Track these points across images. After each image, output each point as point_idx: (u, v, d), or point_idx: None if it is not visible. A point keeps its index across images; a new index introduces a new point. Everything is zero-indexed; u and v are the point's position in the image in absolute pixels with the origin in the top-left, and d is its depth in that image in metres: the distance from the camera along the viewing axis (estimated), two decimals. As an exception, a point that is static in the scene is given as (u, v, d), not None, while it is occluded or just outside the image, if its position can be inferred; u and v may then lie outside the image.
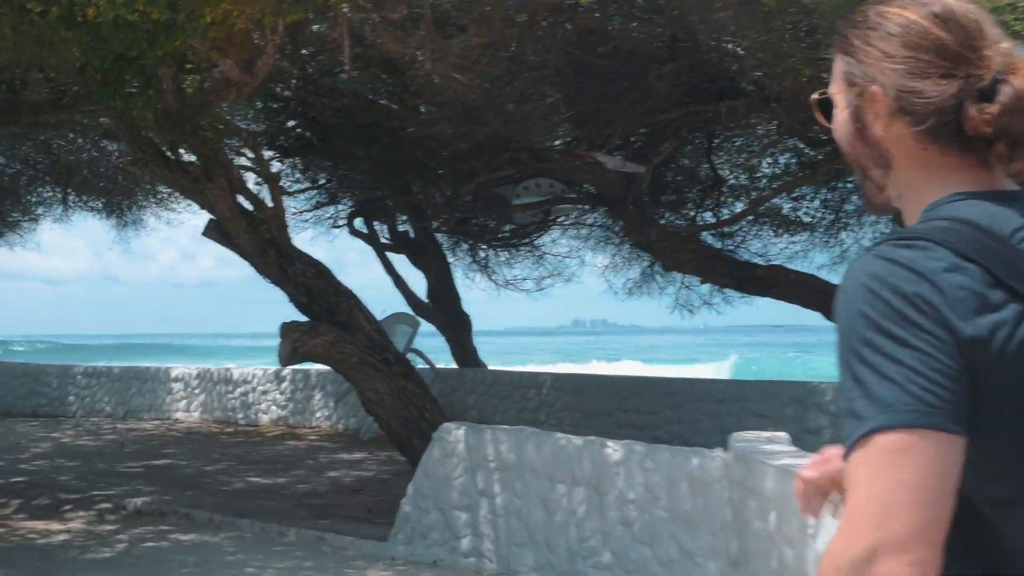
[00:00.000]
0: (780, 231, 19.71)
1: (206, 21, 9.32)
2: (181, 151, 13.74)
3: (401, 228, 23.20)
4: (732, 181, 19.84)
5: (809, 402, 16.09)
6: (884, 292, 1.68)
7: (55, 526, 12.98)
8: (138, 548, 11.82)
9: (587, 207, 19.57)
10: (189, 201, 23.24)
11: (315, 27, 12.49)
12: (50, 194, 24.66)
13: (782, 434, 9.03)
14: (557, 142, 16.86)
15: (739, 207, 19.66)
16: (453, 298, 23.13)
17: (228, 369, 24.60)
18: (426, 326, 22.66)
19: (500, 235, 21.80)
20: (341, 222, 22.13)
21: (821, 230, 19.28)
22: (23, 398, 26.82)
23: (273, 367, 24.01)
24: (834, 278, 17.17)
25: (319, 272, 13.35)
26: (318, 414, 22.63)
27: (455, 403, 19.92)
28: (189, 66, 12.38)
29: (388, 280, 23.42)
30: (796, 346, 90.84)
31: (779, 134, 17.37)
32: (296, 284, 13.18)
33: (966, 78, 1.81)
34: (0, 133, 13.29)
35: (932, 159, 1.85)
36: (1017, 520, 1.74)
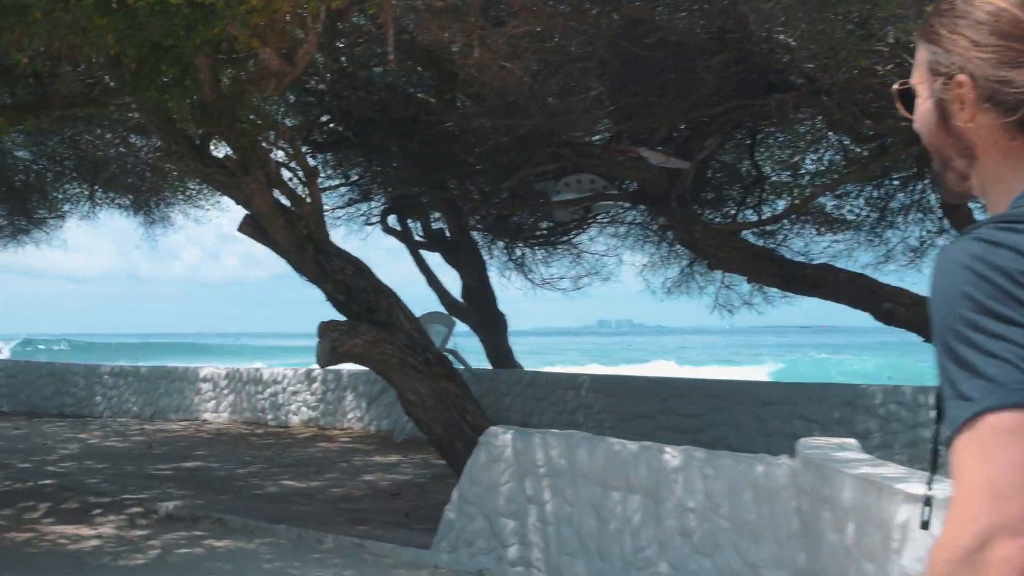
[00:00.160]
0: (823, 229, 19.26)
1: (247, 6, 8.91)
2: (212, 145, 13.40)
3: (435, 225, 22.84)
4: (773, 178, 19.40)
5: (858, 405, 15.66)
6: (989, 272, 1.65)
7: (85, 531, 12.62)
8: (172, 555, 11.43)
9: (628, 204, 19.14)
10: (217, 198, 23.15)
11: (356, 17, 12.09)
12: (77, 191, 24.36)
13: (852, 441, 8.64)
14: (597, 137, 16.47)
15: (781, 205, 19.24)
16: (488, 297, 22.73)
17: (258, 369, 24.27)
18: (458, 326, 22.25)
19: (538, 233, 21.38)
20: (374, 219, 21.82)
21: (866, 228, 18.80)
22: (49, 398, 26.61)
23: (303, 367, 23.73)
24: (882, 277, 16.75)
25: (358, 269, 12.93)
26: (350, 415, 22.27)
27: (491, 405, 19.48)
28: (225, 56, 11.98)
29: (418, 279, 23.13)
30: (824, 347, 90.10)
31: (825, 129, 16.95)
32: (334, 282, 12.76)
33: None
34: (30, 125, 12.85)
35: (1021, 149, 1.81)
36: None
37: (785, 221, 18.76)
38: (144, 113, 12.84)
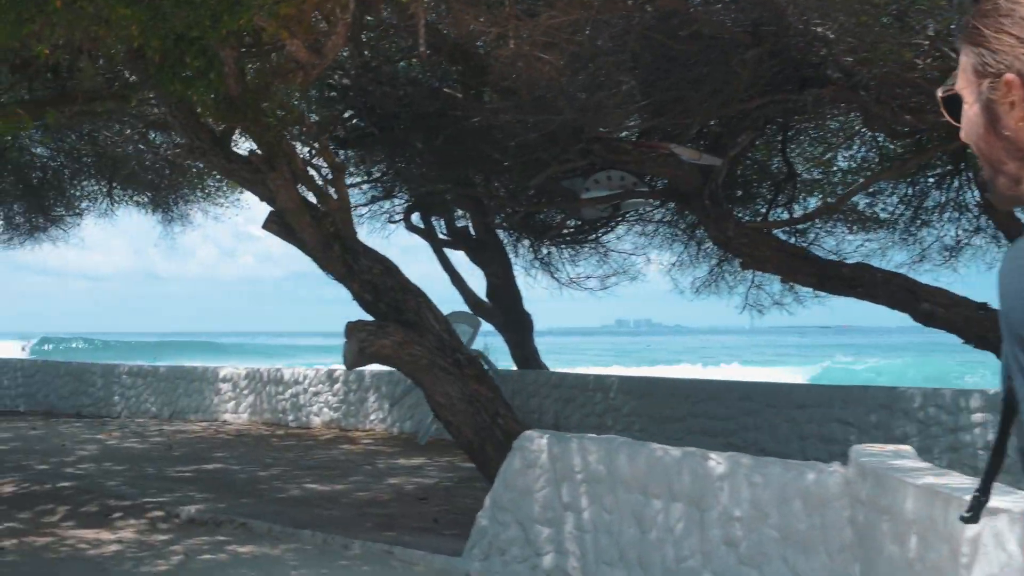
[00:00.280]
0: (855, 228, 18.87)
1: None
2: (233, 140, 13.09)
3: (459, 223, 22.50)
4: (804, 175, 19.03)
5: (896, 408, 15.26)
6: None
7: (105, 535, 12.30)
8: (195, 561, 11.10)
9: (658, 201, 18.78)
10: (236, 196, 22.88)
11: (385, 9, 11.76)
12: (94, 188, 24.08)
13: (907, 448, 8.30)
14: (624, 133, 16.12)
15: (812, 203, 18.87)
16: (514, 297, 22.38)
17: (279, 369, 23.95)
18: (482, 326, 21.91)
19: (565, 231, 21.01)
20: (397, 217, 21.50)
21: (900, 227, 18.40)
22: (66, 398, 26.38)
23: (325, 367, 23.43)
24: (916, 277, 16.32)
25: (386, 268, 12.57)
26: (372, 417, 21.94)
27: (517, 407, 19.04)
28: (249, 48, 11.66)
29: (438, 278, 22.83)
30: (846, 348, 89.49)
31: (859, 125, 16.59)
32: (362, 281, 12.41)
33: None
34: (52, 118, 12.55)
35: None
36: None
37: (816, 220, 18.40)
38: (166, 107, 12.51)
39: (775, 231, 17.45)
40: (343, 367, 21.60)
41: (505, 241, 22.15)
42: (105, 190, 23.80)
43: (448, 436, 15.71)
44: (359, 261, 12.43)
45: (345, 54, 14.45)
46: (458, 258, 22.83)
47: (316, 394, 22.75)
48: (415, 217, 21.74)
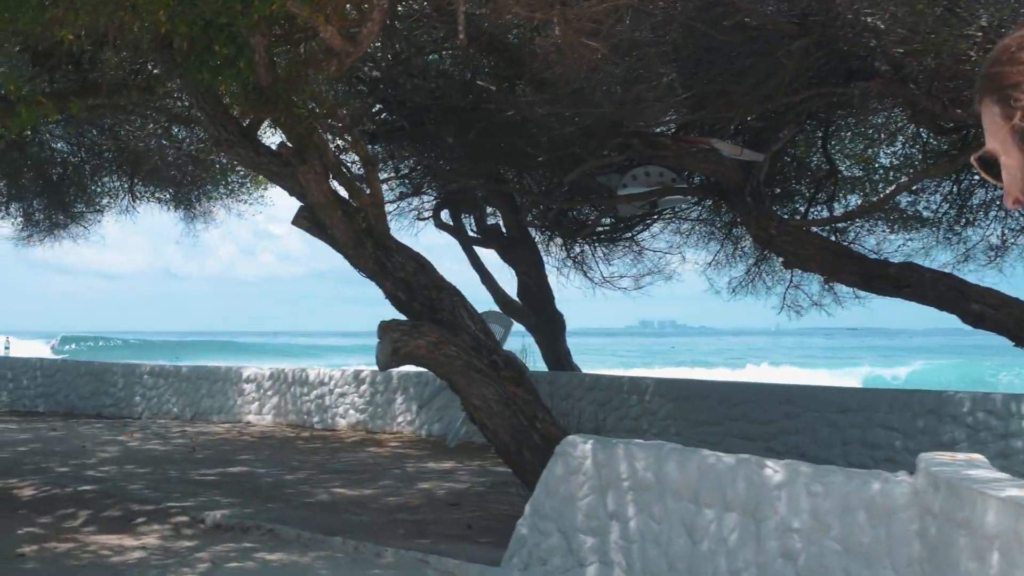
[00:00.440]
0: (896, 227, 18.38)
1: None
2: (259, 133, 12.68)
3: (490, 221, 22.05)
4: (844, 172, 18.54)
5: (944, 413, 14.73)
6: None
7: (129, 541, 11.88)
8: (221, 568, 10.67)
9: (696, 198, 18.29)
10: (260, 192, 22.45)
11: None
12: (116, 184, 23.64)
13: (980, 457, 7.82)
14: (662, 127, 15.66)
15: (853, 200, 18.37)
16: (546, 296, 21.89)
17: (303, 370, 23.50)
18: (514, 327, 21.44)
19: (599, 229, 20.50)
20: (426, 214, 21.07)
21: (944, 226, 17.89)
22: (87, 398, 26.01)
23: (351, 368, 23.00)
24: (963, 277, 15.82)
25: (419, 265, 12.11)
26: (399, 419, 21.49)
27: (550, 410, 18.68)
28: (279, 35, 11.23)
29: (467, 277, 22.34)
30: (873, 350, 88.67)
31: (905, 120, 16.11)
32: (395, 279, 11.95)
33: None
34: (75, 108, 12.12)
35: None
36: None
37: (857, 218, 17.92)
38: (193, 98, 12.07)
39: (815, 229, 16.99)
40: (369, 368, 21.35)
41: (537, 239, 21.67)
42: (126, 186, 23.37)
43: (478, 439, 15.28)
44: (392, 258, 11.97)
45: (376, 44, 14.02)
46: (488, 256, 22.39)
47: (342, 395, 22.32)
48: (444, 214, 21.31)
